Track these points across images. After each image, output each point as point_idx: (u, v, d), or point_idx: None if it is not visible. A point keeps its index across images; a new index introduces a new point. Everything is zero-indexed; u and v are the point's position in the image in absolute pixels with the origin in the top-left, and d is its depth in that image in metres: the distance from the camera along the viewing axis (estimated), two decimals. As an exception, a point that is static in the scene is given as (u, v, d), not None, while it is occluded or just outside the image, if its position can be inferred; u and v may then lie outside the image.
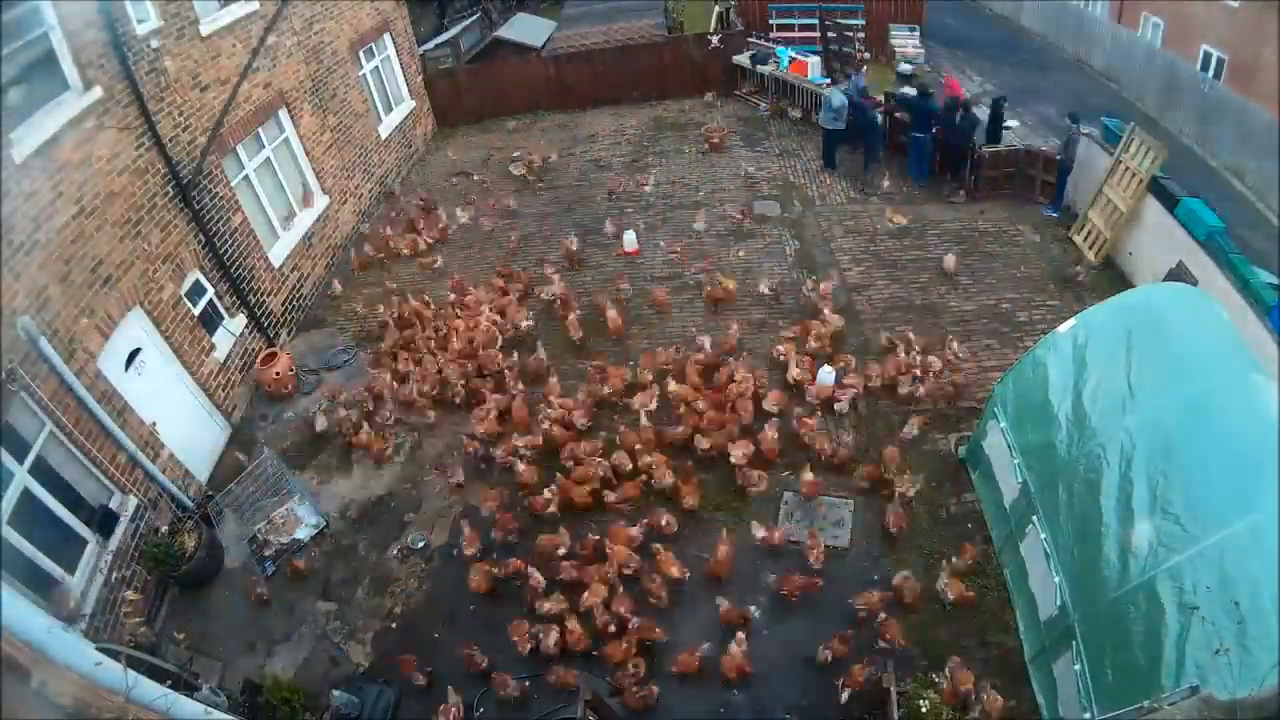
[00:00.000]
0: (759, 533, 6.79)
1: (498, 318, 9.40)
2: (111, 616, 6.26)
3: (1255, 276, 7.90)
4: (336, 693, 5.84)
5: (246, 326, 9.30)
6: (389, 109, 14.53)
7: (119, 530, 6.69)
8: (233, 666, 6.42)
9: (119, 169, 7.36)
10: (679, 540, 6.90)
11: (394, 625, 6.71)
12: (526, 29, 18.63)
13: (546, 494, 7.21)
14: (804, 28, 17.66)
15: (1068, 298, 9.47)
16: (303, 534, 7.42)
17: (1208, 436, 4.70)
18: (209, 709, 4.23)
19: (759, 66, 15.44)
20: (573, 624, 6.16)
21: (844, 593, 6.40)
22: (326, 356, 9.76)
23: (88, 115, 6.98)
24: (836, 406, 7.98)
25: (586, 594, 6.31)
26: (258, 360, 9.13)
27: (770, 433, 7.49)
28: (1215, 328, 5.52)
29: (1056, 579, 5.29)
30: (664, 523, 6.88)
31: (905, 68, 16.06)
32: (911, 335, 8.63)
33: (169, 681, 4.29)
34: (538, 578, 6.51)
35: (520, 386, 8.47)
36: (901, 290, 9.88)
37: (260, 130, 10.06)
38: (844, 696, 5.52)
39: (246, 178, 9.75)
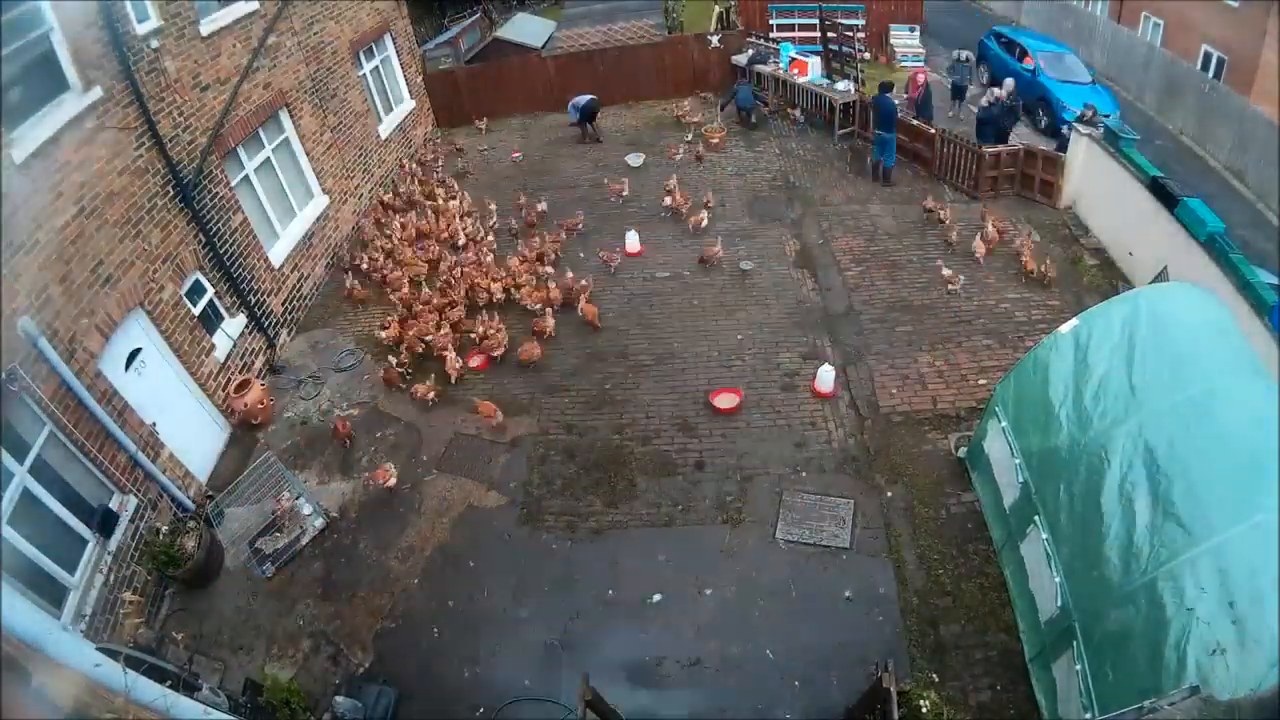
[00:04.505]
0: None
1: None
2: (111, 617, 6.26)
3: (1255, 276, 7.89)
4: (340, 699, 5.82)
5: (247, 326, 9.30)
6: (389, 109, 14.53)
7: (119, 530, 6.68)
8: (233, 666, 6.41)
9: (119, 169, 7.35)
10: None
11: (394, 625, 6.70)
12: (526, 29, 18.62)
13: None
14: (804, 28, 17.69)
15: (1068, 298, 9.46)
16: (304, 534, 7.41)
17: (1210, 437, 4.69)
18: (209, 709, 4.23)
19: (757, 66, 15.41)
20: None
21: (838, 590, 6.42)
22: (332, 359, 9.75)
23: (88, 115, 6.96)
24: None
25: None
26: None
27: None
28: (1218, 328, 5.50)
29: (1057, 579, 5.28)
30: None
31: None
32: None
33: (169, 682, 4.28)
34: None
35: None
36: (902, 290, 9.88)
37: (260, 130, 10.06)
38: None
39: (246, 178, 9.75)
